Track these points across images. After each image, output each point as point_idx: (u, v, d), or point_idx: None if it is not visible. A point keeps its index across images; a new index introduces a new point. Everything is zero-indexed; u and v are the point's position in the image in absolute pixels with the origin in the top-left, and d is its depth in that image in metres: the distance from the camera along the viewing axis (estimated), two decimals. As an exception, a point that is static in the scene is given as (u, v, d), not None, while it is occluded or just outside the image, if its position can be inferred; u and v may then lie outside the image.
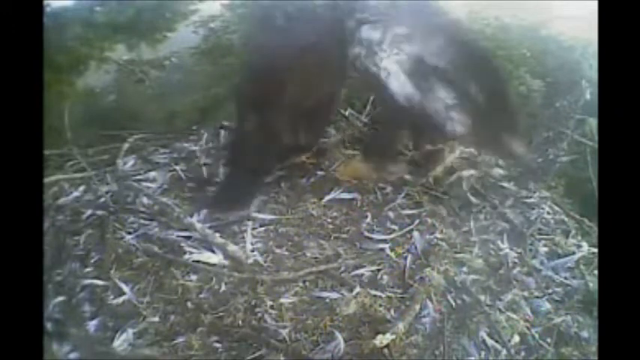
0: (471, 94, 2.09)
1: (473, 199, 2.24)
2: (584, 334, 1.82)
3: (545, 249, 2.17)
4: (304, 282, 1.86)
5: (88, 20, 4.23)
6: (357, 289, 1.83)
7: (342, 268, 1.92)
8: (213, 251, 1.95)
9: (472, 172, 2.48)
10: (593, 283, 1.98)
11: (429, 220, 2.17)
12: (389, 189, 2.34)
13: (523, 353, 1.72)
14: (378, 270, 1.92)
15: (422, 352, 1.66)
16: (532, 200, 2.45)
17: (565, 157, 2.69)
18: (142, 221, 2.09)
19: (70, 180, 2.35)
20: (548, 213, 2.39)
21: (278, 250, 2.00)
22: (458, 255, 2.03)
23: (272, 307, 1.75)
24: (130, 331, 1.66)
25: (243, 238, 2.02)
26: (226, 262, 1.92)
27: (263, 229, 2.09)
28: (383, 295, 1.82)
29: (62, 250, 1.95)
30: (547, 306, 1.89)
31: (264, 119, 2.13)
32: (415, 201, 2.28)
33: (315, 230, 2.10)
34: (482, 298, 1.87)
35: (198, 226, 2.01)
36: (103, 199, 2.20)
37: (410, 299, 1.79)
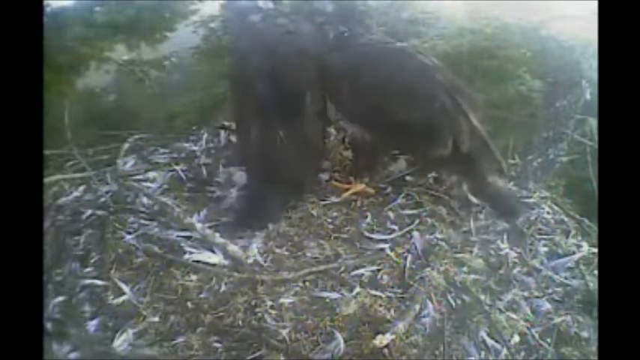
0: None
1: (473, 199, 2.24)
2: (584, 334, 1.82)
3: (545, 249, 2.17)
4: (304, 282, 1.86)
5: (88, 20, 4.24)
6: (357, 289, 1.82)
7: (342, 268, 1.92)
8: (213, 251, 1.95)
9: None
10: (593, 283, 1.98)
11: (429, 220, 2.17)
12: (389, 189, 2.34)
13: (523, 353, 1.72)
14: (378, 270, 1.92)
15: (422, 352, 1.66)
16: (532, 200, 2.45)
17: (565, 157, 2.69)
18: (142, 221, 2.09)
19: (70, 180, 2.35)
20: (548, 213, 2.39)
21: (278, 250, 1.99)
22: (458, 255, 2.02)
23: (272, 307, 1.75)
24: (130, 331, 1.66)
25: (243, 237, 2.02)
26: (226, 262, 1.91)
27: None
28: (383, 295, 1.82)
29: (62, 250, 1.95)
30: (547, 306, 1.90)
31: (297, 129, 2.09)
32: (415, 201, 2.28)
33: (315, 230, 2.10)
34: (482, 298, 1.86)
35: (198, 226, 2.01)
36: (103, 199, 2.20)
37: (410, 299, 1.79)
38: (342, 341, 1.64)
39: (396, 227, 2.12)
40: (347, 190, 2.30)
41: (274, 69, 2.12)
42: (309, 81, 2.16)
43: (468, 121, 2.08)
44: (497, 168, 2.14)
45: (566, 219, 2.39)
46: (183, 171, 2.42)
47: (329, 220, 2.15)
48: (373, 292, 1.83)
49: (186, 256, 1.93)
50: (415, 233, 2.09)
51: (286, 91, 2.10)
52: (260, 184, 2.16)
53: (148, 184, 2.35)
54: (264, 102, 2.11)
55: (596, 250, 2.10)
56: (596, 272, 2.01)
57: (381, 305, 1.78)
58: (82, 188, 2.31)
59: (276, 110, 2.08)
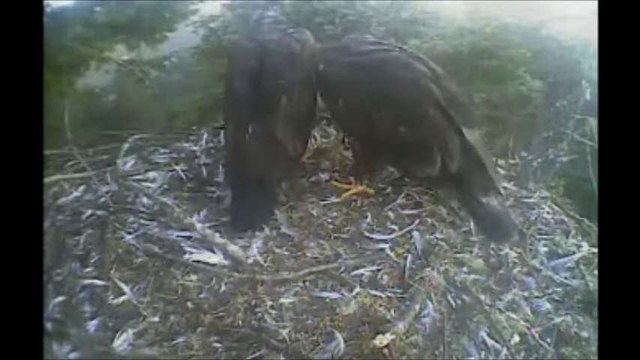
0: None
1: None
2: (584, 334, 1.82)
3: (545, 249, 2.17)
4: (304, 282, 1.86)
5: (88, 20, 4.25)
6: (357, 289, 1.83)
7: (342, 268, 1.92)
8: (213, 251, 1.95)
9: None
10: (593, 283, 1.98)
11: (429, 220, 2.17)
12: (389, 189, 2.34)
13: (523, 353, 1.72)
14: (378, 270, 1.92)
15: (422, 352, 1.66)
16: (532, 200, 2.45)
17: (565, 157, 2.69)
18: (142, 221, 2.09)
19: (70, 180, 2.35)
20: (548, 213, 2.39)
21: (278, 250, 1.99)
22: (458, 255, 2.02)
23: (272, 307, 1.75)
24: (130, 331, 1.66)
25: (243, 237, 2.02)
26: (226, 262, 1.92)
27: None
28: (383, 295, 1.82)
29: (62, 250, 1.95)
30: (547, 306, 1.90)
31: (265, 127, 2.09)
32: (415, 201, 2.28)
33: (315, 230, 2.10)
34: (482, 298, 1.87)
35: (198, 226, 2.01)
36: (103, 199, 2.20)
37: (410, 299, 1.79)
38: (342, 341, 1.64)
39: (396, 227, 2.12)
40: (347, 190, 2.30)
41: (261, 70, 2.15)
42: (293, 84, 2.15)
43: (461, 138, 2.01)
44: (492, 187, 2.04)
45: (566, 219, 2.39)
46: (183, 171, 2.42)
47: (329, 220, 2.15)
48: (373, 292, 1.83)
49: (186, 256, 1.93)
50: (415, 233, 2.09)
51: (264, 91, 2.12)
52: (232, 182, 2.20)
53: (148, 184, 2.35)
54: (242, 102, 2.14)
55: (596, 250, 2.10)
56: (596, 272, 2.01)
57: (381, 305, 1.78)
58: (82, 188, 2.31)
59: (252, 110, 2.11)
